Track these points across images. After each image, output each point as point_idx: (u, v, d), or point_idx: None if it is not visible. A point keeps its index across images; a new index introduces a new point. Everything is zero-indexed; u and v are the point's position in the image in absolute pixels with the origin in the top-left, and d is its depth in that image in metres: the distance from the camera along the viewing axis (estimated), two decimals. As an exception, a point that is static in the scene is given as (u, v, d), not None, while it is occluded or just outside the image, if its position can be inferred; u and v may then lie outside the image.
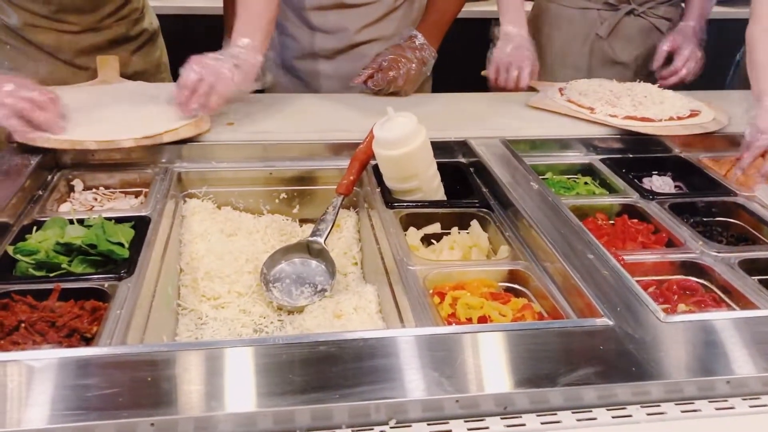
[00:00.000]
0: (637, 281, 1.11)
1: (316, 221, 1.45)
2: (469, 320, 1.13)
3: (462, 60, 2.46)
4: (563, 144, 1.74)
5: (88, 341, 1.02)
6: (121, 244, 1.21)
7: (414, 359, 0.91)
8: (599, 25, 2.27)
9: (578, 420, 0.86)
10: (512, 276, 1.24)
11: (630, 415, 0.87)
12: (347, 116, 1.79)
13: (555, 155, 1.73)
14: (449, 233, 1.40)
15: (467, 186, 1.54)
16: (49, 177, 1.49)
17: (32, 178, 1.41)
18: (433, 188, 1.48)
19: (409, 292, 1.14)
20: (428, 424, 0.84)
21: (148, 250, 1.22)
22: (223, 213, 1.58)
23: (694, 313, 1.15)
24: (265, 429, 0.82)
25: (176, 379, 0.86)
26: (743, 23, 1.76)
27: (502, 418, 0.86)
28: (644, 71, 2.28)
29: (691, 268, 1.27)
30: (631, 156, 1.74)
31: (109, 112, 1.65)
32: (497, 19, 2.16)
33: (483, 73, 2.15)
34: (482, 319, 1.12)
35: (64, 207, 1.43)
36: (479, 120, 1.82)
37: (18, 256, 1.16)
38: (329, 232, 1.42)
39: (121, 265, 1.16)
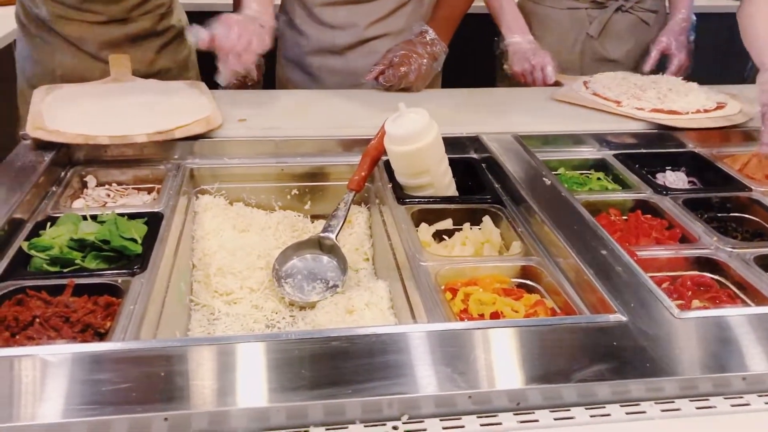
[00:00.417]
0: (651, 277, 1.10)
1: (327, 217, 1.45)
2: (482, 316, 1.12)
3: (472, 55, 2.46)
4: (576, 139, 1.73)
5: (101, 336, 1.02)
6: (134, 240, 1.21)
7: (426, 355, 0.91)
8: (588, 25, 2.27)
9: (592, 416, 0.86)
10: (525, 272, 1.24)
11: (644, 412, 0.87)
12: (359, 112, 1.79)
13: (568, 151, 1.72)
14: (461, 229, 1.39)
15: (479, 182, 1.53)
16: (63, 173, 1.50)
17: (46, 174, 1.41)
18: (445, 184, 1.47)
19: (421, 288, 1.14)
20: (441, 420, 0.84)
21: (161, 246, 1.22)
22: (235, 209, 1.58)
23: (709, 309, 1.14)
24: (278, 424, 0.82)
25: (189, 374, 0.87)
26: (760, 16, 1.75)
27: (515, 414, 0.85)
28: (635, 66, 2.29)
29: (705, 263, 1.26)
30: (644, 151, 1.72)
31: (121, 108, 1.66)
32: (498, 33, 2.17)
33: (505, 67, 2.16)
34: (495, 315, 1.12)
35: (78, 203, 1.44)
36: (491, 115, 1.81)
37: (32, 252, 1.17)
38: (341, 228, 1.42)
39: (134, 260, 1.17)
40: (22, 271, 1.15)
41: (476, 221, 1.40)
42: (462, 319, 1.11)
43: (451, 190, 1.49)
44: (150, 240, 1.23)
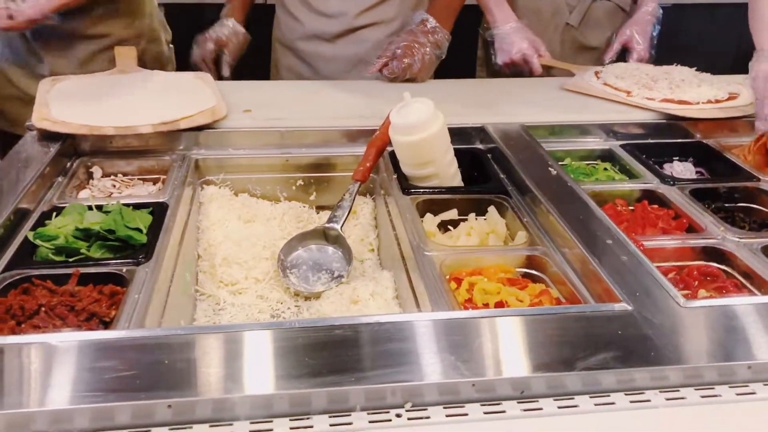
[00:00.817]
0: (657, 267, 1.10)
1: (332, 208, 1.45)
2: (486, 305, 1.12)
3: (472, 45, 2.46)
4: (583, 130, 1.72)
5: (106, 325, 1.03)
6: (139, 230, 1.21)
7: (430, 343, 0.90)
8: (568, 14, 2.28)
9: (596, 404, 0.85)
10: (530, 262, 1.23)
11: (648, 400, 0.86)
12: (364, 102, 1.78)
13: (574, 141, 1.71)
14: (466, 219, 1.39)
15: (485, 172, 1.53)
16: (69, 164, 1.50)
17: (52, 165, 1.42)
18: (450, 174, 1.47)
19: (425, 278, 1.13)
20: (444, 408, 0.84)
21: (165, 236, 1.23)
22: (240, 200, 1.58)
23: (715, 298, 1.14)
24: (282, 411, 0.82)
25: (193, 361, 0.87)
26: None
27: (518, 402, 0.85)
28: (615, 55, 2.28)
29: (712, 253, 1.25)
30: (651, 141, 1.71)
31: (126, 99, 1.66)
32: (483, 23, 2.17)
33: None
34: (499, 305, 1.12)
35: (83, 193, 1.44)
36: (497, 105, 1.80)
37: (38, 242, 1.18)
38: (346, 219, 1.42)
39: (139, 250, 1.17)
40: (28, 261, 1.15)
41: (481, 212, 1.40)
42: (466, 309, 1.11)
43: (457, 181, 1.49)
44: (155, 230, 1.23)
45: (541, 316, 0.98)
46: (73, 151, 1.54)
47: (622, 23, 2.27)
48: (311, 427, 0.81)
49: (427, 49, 1.93)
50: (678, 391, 0.88)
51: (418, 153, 1.42)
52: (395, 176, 1.47)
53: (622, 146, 1.68)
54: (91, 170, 1.52)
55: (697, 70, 1.96)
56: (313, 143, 1.63)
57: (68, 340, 0.90)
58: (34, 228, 1.22)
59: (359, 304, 1.27)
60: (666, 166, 1.65)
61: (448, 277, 1.17)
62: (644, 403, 0.86)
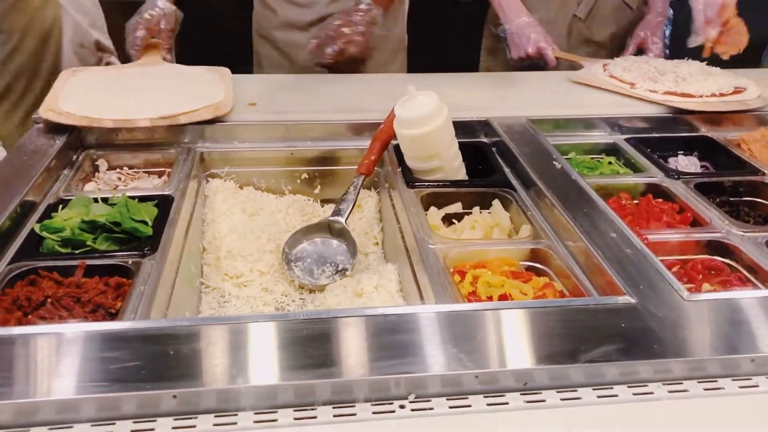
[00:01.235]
0: (662, 260, 1.10)
1: (337, 201, 1.45)
2: (490, 298, 1.12)
3: (474, 39, 2.46)
4: (587, 123, 1.72)
5: (112, 317, 1.03)
6: (145, 222, 1.22)
7: (434, 335, 0.91)
8: (576, 7, 2.29)
9: (599, 397, 0.86)
10: (534, 255, 1.24)
11: (651, 393, 0.86)
12: (368, 96, 1.78)
13: (579, 135, 1.71)
14: (471, 213, 1.39)
15: (489, 165, 1.53)
16: (74, 157, 1.51)
17: (58, 157, 1.43)
18: (455, 168, 1.47)
19: (429, 271, 1.14)
20: (447, 399, 0.84)
21: (171, 229, 1.23)
22: (245, 193, 1.59)
23: (719, 291, 1.14)
24: (286, 402, 0.83)
25: (198, 352, 0.87)
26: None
27: (521, 394, 0.85)
28: (618, 50, 2.29)
29: (716, 247, 1.25)
30: (656, 135, 1.71)
31: (131, 92, 1.66)
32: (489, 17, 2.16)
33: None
34: (503, 298, 1.12)
35: (89, 186, 1.45)
36: (502, 99, 1.80)
37: (44, 234, 1.18)
38: (350, 212, 1.42)
39: (144, 242, 1.18)
40: (35, 253, 1.16)
41: (486, 205, 1.40)
42: (470, 302, 1.11)
43: (461, 174, 1.49)
44: (160, 222, 1.24)
45: (544, 308, 0.98)
46: (79, 144, 1.54)
47: (633, 23, 2.27)
48: (315, 417, 0.81)
49: (360, 27, 1.92)
50: (681, 383, 0.88)
51: (422, 146, 1.42)
52: (400, 169, 1.47)
53: (626, 140, 1.67)
54: (96, 163, 1.53)
55: (708, 64, 1.96)
56: (318, 137, 1.63)
57: (74, 330, 0.90)
58: (40, 220, 1.23)
59: (363, 296, 1.28)
60: (671, 159, 1.65)
61: (452, 270, 1.17)
62: (647, 396, 0.86)
